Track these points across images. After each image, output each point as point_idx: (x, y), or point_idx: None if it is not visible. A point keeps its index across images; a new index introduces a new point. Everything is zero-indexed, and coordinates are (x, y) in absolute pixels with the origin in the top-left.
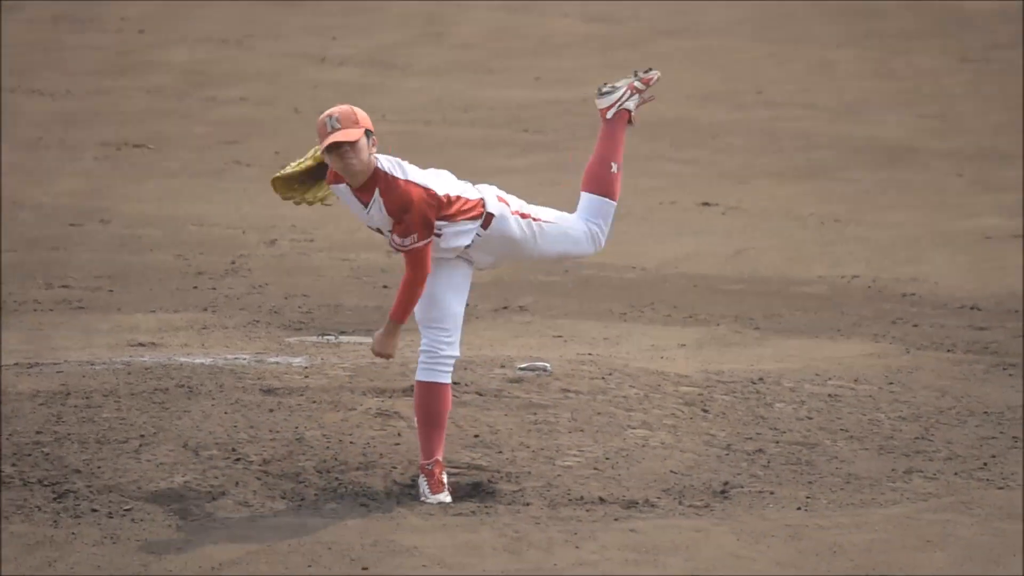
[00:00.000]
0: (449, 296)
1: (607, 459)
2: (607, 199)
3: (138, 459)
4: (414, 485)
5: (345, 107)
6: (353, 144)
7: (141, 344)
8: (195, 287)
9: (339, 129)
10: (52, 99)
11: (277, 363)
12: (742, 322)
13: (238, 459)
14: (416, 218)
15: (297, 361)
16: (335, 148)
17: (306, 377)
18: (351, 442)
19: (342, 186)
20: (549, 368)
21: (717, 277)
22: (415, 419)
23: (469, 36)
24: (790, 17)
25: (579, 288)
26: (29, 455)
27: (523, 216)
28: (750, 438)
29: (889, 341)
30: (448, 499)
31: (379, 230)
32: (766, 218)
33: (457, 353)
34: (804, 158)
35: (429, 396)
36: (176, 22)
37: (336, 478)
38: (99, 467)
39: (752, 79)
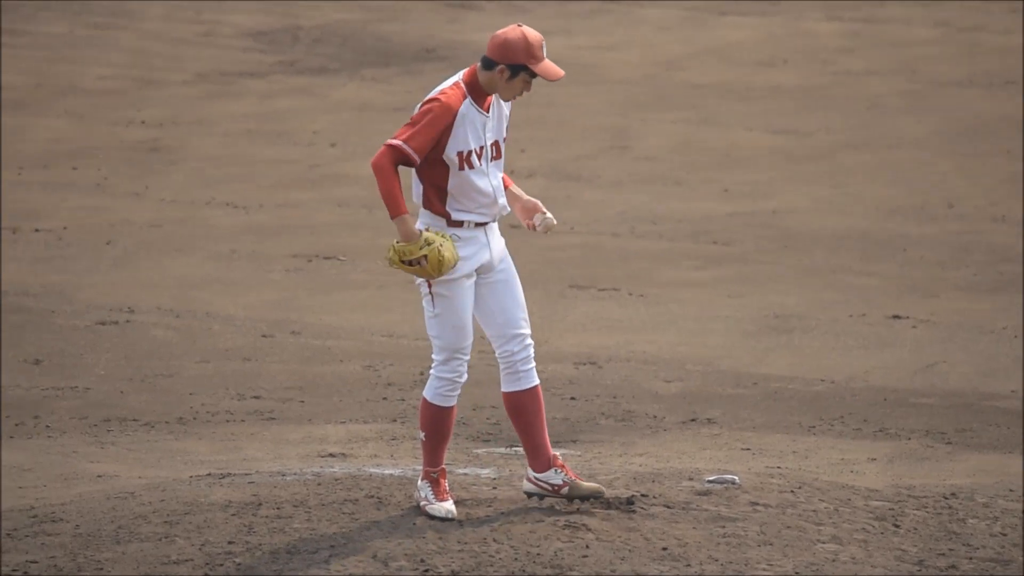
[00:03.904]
0: (472, 326)
1: (797, 573)
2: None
3: (327, 570)
4: None
5: None
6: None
7: (331, 455)
8: (384, 398)
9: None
10: (245, 212)
11: (465, 474)
12: (933, 436)
13: (426, 570)
14: None
15: (485, 472)
16: (531, 78)
17: (494, 488)
18: (538, 554)
19: (469, 109)
20: (737, 481)
21: (908, 391)
22: (422, 434)
23: (654, 149)
24: (977, 130)
25: (767, 401)
26: (221, 565)
27: None
28: (942, 554)
29: None
30: (453, 509)
31: (472, 153)
32: (958, 332)
33: (466, 377)
34: (995, 272)
35: (442, 418)
36: (365, 136)
37: None
38: None
39: (940, 192)
